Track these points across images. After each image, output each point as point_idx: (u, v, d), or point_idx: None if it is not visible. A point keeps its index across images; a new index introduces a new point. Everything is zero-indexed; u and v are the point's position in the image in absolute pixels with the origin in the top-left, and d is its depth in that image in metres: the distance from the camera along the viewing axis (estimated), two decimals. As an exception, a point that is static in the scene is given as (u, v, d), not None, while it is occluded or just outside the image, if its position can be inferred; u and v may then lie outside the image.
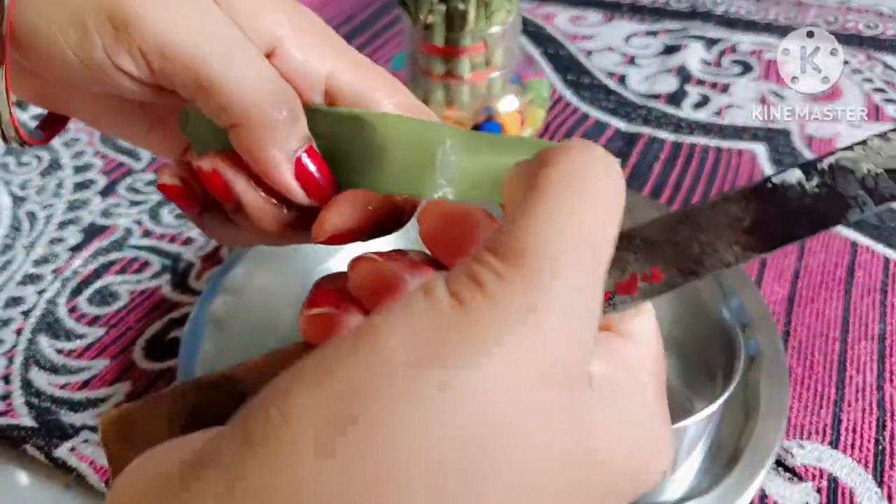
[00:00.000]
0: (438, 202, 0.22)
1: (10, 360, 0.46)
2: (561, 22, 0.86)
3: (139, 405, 0.22)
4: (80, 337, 0.48)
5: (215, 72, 0.22)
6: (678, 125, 0.68)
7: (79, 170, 0.62)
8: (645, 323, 0.20)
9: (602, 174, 0.17)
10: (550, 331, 0.15)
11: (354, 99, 0.24)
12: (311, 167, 0.23)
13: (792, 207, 0.19)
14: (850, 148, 0.19)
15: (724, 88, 0.74)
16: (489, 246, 0.16)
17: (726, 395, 0.35)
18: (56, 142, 0.65)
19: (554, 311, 0.15)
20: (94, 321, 0.49)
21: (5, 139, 0.25)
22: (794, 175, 0.19)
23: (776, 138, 0.66)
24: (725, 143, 0.65)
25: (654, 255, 0.20)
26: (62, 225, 0.56)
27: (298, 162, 0.23)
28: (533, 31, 0.83)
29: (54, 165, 0.62)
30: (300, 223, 0.25)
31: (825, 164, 0.19)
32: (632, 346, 0.20)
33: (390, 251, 0.22)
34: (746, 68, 0.77)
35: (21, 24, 0.23)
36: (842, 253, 0.53)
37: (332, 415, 0.14)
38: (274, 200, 0.24)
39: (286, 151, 0.23)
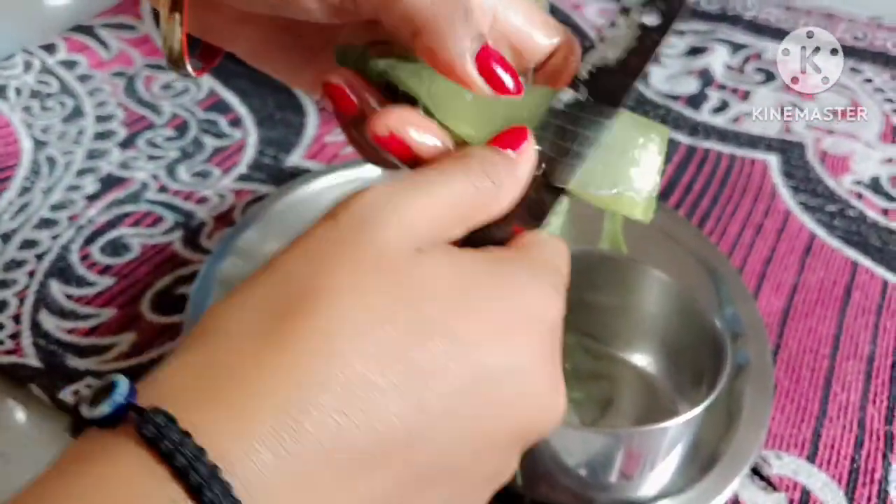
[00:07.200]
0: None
1: (21, 301, 0.48)
2: (590, 13, 0.86)
3: None
4: (90, 284, 0.49)
5: None
6: (695, 129, 0.68)
7: (100, 119, 0.63)
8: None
9: None
10: None
11: (517, 37, 0.27)
12: (492, 61, 0.25)
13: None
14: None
15: (745, 95, 0.74)
16: None
17: (709, 400, 0.35)
18: (80, 89, 0.66)
19: None
20: (104, 270, 0.50)
21: (175, 68, 0.27)
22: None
23: (790, 151, 0.66)
24: (740, 152, 0.66)
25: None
26: (80, 173, 0.57)
27: (479, 57, 0.24)
28: (561, 20, 0.83)
29: (77, 113, 0.63)
30: None
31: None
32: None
33: None
34: (769, 77, 0.77)
35: None
36: (842, 272, 0.54)
37: None
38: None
39: (467, 48, 0.24)
